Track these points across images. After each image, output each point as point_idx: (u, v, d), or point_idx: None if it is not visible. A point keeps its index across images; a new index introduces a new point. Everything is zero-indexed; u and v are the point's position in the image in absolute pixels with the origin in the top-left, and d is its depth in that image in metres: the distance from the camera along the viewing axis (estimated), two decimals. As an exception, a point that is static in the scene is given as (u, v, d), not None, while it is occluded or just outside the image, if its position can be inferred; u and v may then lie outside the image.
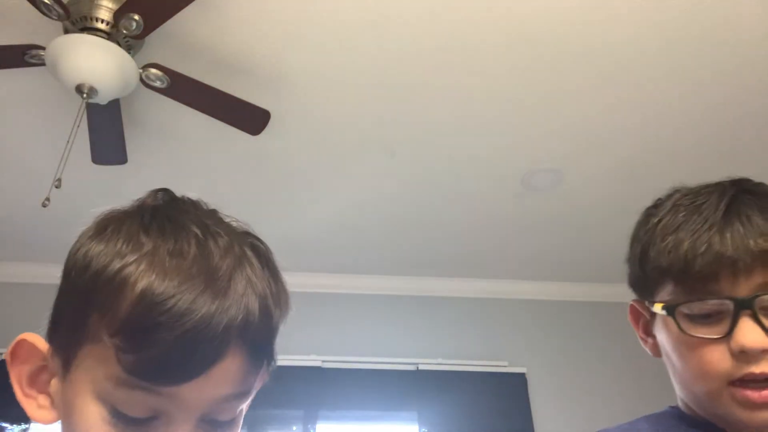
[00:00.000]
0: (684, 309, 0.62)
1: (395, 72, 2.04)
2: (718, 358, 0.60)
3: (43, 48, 1.73)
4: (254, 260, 0.49)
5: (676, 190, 0.71)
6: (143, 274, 0.43)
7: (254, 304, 0.46)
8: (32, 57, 1.77)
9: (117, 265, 0.44)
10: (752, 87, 2.11)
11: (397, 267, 3.23)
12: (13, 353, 0.48)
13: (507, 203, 2.72)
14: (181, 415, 0.43)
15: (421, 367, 3.04)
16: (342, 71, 2.04)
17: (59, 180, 1.74)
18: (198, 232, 0.48)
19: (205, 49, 1.94)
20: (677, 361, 0.64)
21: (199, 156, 2.42)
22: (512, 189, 2.63)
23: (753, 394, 0.58)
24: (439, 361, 3.07)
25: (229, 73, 2.02)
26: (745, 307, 0.59)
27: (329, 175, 2.54)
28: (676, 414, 0.70)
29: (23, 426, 2.69)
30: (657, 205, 0.72)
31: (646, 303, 0.69)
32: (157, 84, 1.84)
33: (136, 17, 1.67)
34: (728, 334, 0.60)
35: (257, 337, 0.46)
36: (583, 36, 1.91)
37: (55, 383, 0.47)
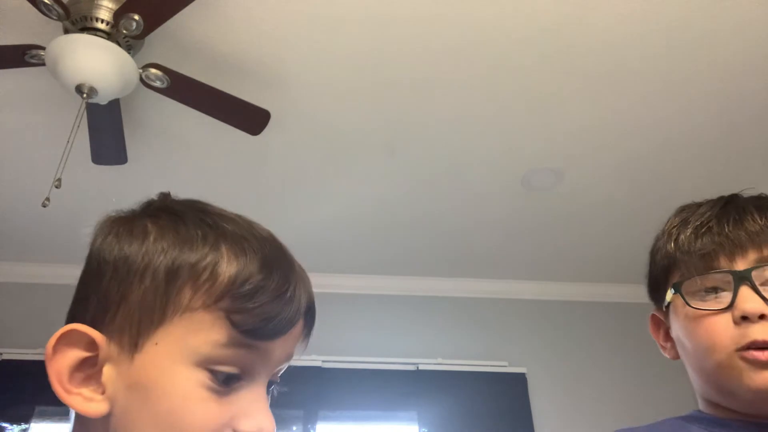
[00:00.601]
0: (689, 285, 0.69)
1: (395, 72, 2.04)
2: (723, 327, 0.66)
3: (43, 48, 1.73)
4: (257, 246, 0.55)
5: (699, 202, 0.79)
6: (231, 256, 0.50)
7: (309, 284, 0.58)
8: (32, 57, 1.77)
9: (200, 252, 0.50)
10: (754, 88, 2.11)
11: (397, 267, 3.23)
12: (57, 345, 0.48)
13: (507, 203, 2.72)
14: (264, 372, 0.50)
15: (421, 367, 3.04)
16: (342, 71, 2.04)
17: (59, 180, 1.74)
18: (209, 222, 0.54)
19: (205, 49, 1.95)
20: (688, 341, 0.70)
21: (199, 156, 2.42)
22: (512, 189, 2.63)
23: (760, 354, 0.63)
24: (439, 361, 3.07)
25: (229, 73, 2.02)
26: (743, 277, 0.66)
27: (329, 175, 2.54)
28: (697, 416, 0.73)
29: (23, 426, 2.69)
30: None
31: (661, 303, 0.75)
32: (157, 84, 1.84)
33: (136, 17, 1.67)
34: (731, 305, 0.66)
35: (313, 311, 0.57)
36: (583, 36, 1.91)
37: (110, 370, 0.48)
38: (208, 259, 0.49)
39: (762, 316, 0.64)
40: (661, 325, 0.78)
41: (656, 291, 0.77)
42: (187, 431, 0.45)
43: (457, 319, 3.27)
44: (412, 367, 3.04)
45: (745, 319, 0.64)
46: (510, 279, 3.37)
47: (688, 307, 0.69)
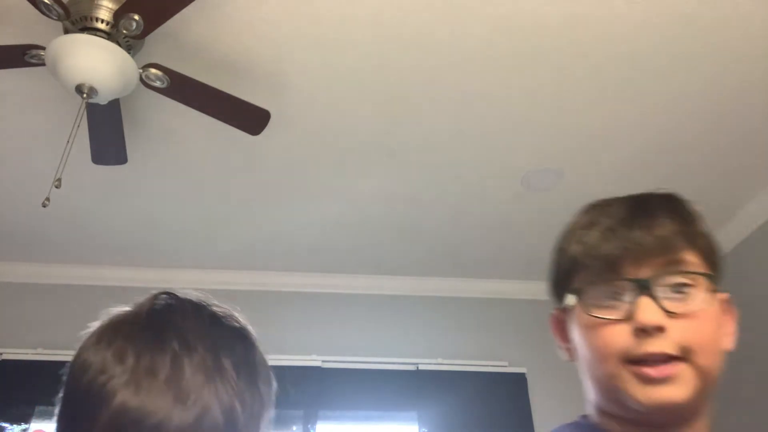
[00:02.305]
0: (591, 291, 0.66)
1: (395, 72, 2.04)
2: (619, 336, 0.63)
3: (43, 48, 1.73)
4: (229, 370, 0.55)
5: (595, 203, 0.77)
6: (121, 389, 0.51)
7: (218, 416, 0.52)
8: (32, 57, 1.77)
9: (103, 379, 0.52)
10: (752, 83, 2.11)
11: (396, 267, 3.23)
12: None
13: (507, 203, 2.72)
14: None
15: (421, 367, 3.04)
16: (342, 71, 2.04)
17: (59, 180, 1.74)
18: (177, 348, 0.54)
19: (205, 49, 1.94)
20: (584, 348, 0.67)
21: (199, 156, 2.42)
22: (512, 189, 2.63)
23: (650, 370, 0.61)
24: (439, 361, 3.07)
25: (229, 73, 2.02)
26: (644, 286, 0.63)
27: (329, 175, 2.54)
28: (586, 425, 0.72)
29: (23, 426, 2.69)
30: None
31: (562, 304, 0.72)
32: (157, 84, 1.84)
33: (136, 17, 1.67)
34: (630, 314, 0.63)
35: None
36: (583, 36, 1.91)
37: None
38: (102, 393, 0.52)
39: (659, 329, 0.61)
40: (561, 324, 0.75)
41: (557, 291, 0.74)
42: None
43: (457, 319, 3.27)
44: (412, 367, 3.04)
45: (642, 331, 0.61)
46: (510, 279, 3.37)
47: (587, 314, 0.66)
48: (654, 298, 0.63)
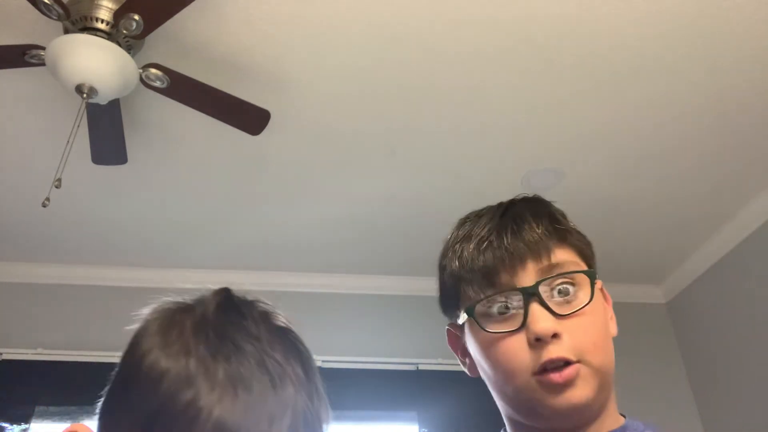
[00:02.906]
0: (480, 307, 0.66)
1: (395, 72, 2.04)
2: (519, 349, 0.63)
3: (43, 48, 1.73)
4: (302, 376, 0.55)
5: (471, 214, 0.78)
6: (216, 405, 0.48)
7: (299, 425, 0.52)
8: (32, 57, 1.77)
9: (190, 394, 0.48)
10: (752, 83, 2.11)
11: (397, 267, 3.23)
12: None
13: (507, 203, 2.71)
14: None
15: (421, 367, 3.04)
16: (342, 71, 2.04)
17: (59, 180, 1.74)
18: (257, 356, 0.52)
19: (205, 49, 1.95)
20: (486, 365, 0.67)
21: (199, 156, 2.42)
22: (512, 189, 2.62)
23: (555, 376, 0.61)
24: (439, 361, 3.07)
25: (229, 73, 2.02)
26: (531, 293, 0.63)
27: (329, 175, 2.54)
28: None
29: (23, 426, 2.69)
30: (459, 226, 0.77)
31: (455, 320, 0.72)
32: (157, 84, 1.84)
33: (136, 17, 1.67)
34: (523, 325, 0.63)
35: None
36: (582, 36, 1.91)
37: None
38: (190, 411, 0.48)
39: (555, 335, 0.62)
40: (459, 340, 0.75)
41: (449, 308, 0.74)
42: None
43: (457, 319, 3.27)
44: (412, 367, 3.04)
45: (538, 340, 0.62)
46: (510, 279, 3.37)
47: (482, 330, 0.66)
48: (542, 304, 0.63)
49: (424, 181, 2.58)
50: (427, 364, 3.05)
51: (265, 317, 0.58)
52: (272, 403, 0.51)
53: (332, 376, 2.96)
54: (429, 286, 3.53)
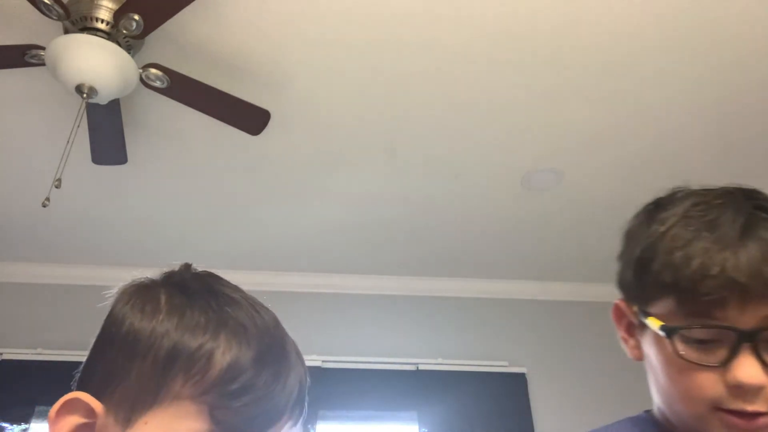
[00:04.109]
0: (685, 333, 0.59)
1: (395, 72, 2.04)
2: (711, 385, 0.58)
3: (43, 48, 1.73)
4: (294, 345, 0.61)
5: (680, 191, 0.68)
6: (227, 347, 0.53)
7: (303, 373, 0.59)
8: (32, 57, 1.77)
9: (200, 340, 0.52)
10: (752, 83, 2.11)
11: (396, 267, 3.23)
12: (61, 411, 0.52)
13: (507, 203, 2.72)
14: None
15: (421, 367, 3.04)
16: (342, 71, 2.04)
17: (59, 180, 1.74)
18: (247, 305, 0.58)
19: (205, 49, 1.95)
20: (664, 379, 0.62)
21: (199, 156, 2.42)
22: (512, 189, 2.63)
23: (741, 422, 0.56)
24: (439, 361, 3.07)
25: (229, 73, 2.02)
26: (748, 339, 0.56)
27: (329, 175, 2.54)
28: (650, 420, 0.69)
29: (23, 426, 2.69)
30: (659, 206, 0.68)
31: (636, 310, 0.66)
32: (157, 84, 1.84)
33: (136, 17, 1.67)
34: (725, 364, 0.57)
35: (302, 400, 0.58)
36: (583, 36, 1.91)
37: None
38: (204, 349, 0.52)
39: (761, 388, 0.56)
40: (626, 317, 0.68)
41: (632, 293, 0.66)
42: None
43: (457, 319, 3.27)
44: (412, 367, 3.04)
45: (738, 387, 0.56)
46: (510, 279, 3.37)
47: (674, 353, 0.59)
48: (756, 352, 0.56)
49: (424, 181, 2.58)
50: (427, 364, 3.05)
51: (231, 291, 0.62)
52: (272, 341, 0.57)
53: (332, 376, 2.96)
54: (429, 286, 3.54)
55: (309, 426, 2.82)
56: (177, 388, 0.51)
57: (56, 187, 1.74)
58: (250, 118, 2.00)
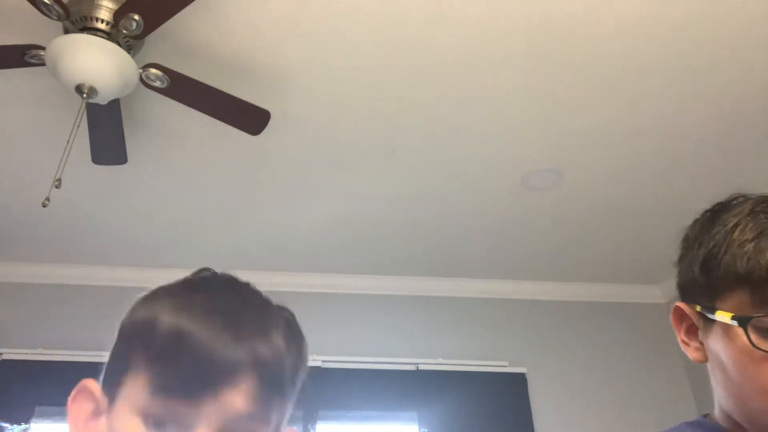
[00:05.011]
0: (758, 322, 0.58)
1: (395, 72, 2.04)
2: None
3: (43, 48, 1.73)
4: (281, 324, 0.61)
5: (739, 197, 0.69)
6: (173, 316, 0.55)
7: (266, 350, 0.56)
8: (32, 57, 1.77)
9: (156, 313, 0.56)
10: (752, 83, 2.11)
11: (397, 267, 3.23)
12: (75, 397, 0.58)
13: (507, 203, 2.72)
14: (202, 424, 0.52)
15: (421, 367, 3.04)
16: (342, 71, 2.04)
17: (59, 180, 1.74)
18: (233, 296, 0.61)
19: (205, 49, 1.95)
20: (737, 374, 0.61)
21: (199, 156, 2.42)
22: (512, 189, 2.63)
23: None
24: (439, 361, 3.07)
25: (229, 73, 2.02)
26: None
27: (329, 175, 2.54)
28: (710, 425, 0.69)
29: (23, 426, 2.69)
30: (719, 211, 0.70)
31: (701, 308, 0.66)
32: (157, 84, 1.84)
33: (136, 17, 1.67)
34: None
35: (266, 373, 0.56)
36: (583, 36, 1.91)
37: (103, 421, 0.57)
38: (152, 315, 0.55)
39: None
40: (686, 319, 0.69)
41: (696, 292, 0.67)
42: None
43: (457, 319, 3.27)
44: (412, 367, 3.04)
45: None
46: (510, 279, 3.37)
47: (749, 343, 0.59)
48: None
49: (424, 181, 2.58)
50: (427, 364, 3.05)
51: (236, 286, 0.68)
52: (232, 319, 0.56)
53: (332, 376, 2.96)
54: (429, 286, 3.54)
55: (309, 426, 2.82)
56: (135, 361, 0.54)
57: (56, 187, 1.74)
58: (250, 118, 2.00)
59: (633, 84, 2.09)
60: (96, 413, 0.57)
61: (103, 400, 0.57)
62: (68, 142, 1.87)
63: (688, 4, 1.81)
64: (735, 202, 0.69)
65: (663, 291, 3.40)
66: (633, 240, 2.98)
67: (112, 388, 0.56)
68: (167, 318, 0.54)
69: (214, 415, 0.53)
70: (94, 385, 0.58)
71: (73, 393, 0.58)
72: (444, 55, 1.98)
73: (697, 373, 3.10)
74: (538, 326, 3.30)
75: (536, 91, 2.12)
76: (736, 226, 0.64)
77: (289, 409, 0.62)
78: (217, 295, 0.59)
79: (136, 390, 0.53)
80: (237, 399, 0.53)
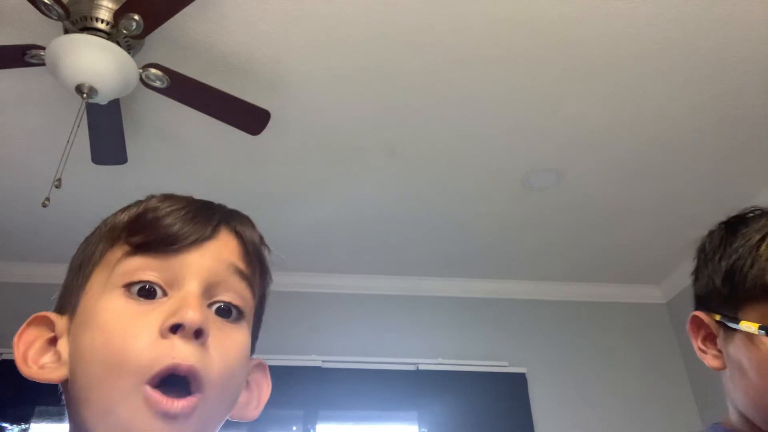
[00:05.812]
0: None
1: (395, 72, 2.04)
2: None
3: (43, 48, 1.73)
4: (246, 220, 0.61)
5: (754, 210, 0.71)
6: (148, 201, 0.57)
7: (241, 221, 0.60)
8: (32, 57, 1.77)
9: (125, 211, 0.58)
10: (751, 84, 2.11)
11: (397, 267, 3.23)
12: (25, 329, 0.55)
13: (507, 203, 2.72)
14: (189, 279, 0.51)
15: (421, 367, 3.04)
16: (342, 71, 2.04)
17: (59, 180, 1.74)
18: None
19: (205, 49, 1.94)
20: (759, 379, 0.63)
21: (199, 156, 2.42)
22: (512, 189, 2.63)
23: None
24: (439, 361, 3.07)
25: (229, 73, 2.02)
26: None
27: (329, 175, 2.54)
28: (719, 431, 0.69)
29: (23, 426, 2.69)
30: (736, 224, 0.71)
31: (721, 318, 0.68)
32: (157, 84, 1.84)
33: (136, 17, 1.67)
34: None
35: (244, 228, 0.59)
36: (582, 37, 1.91)
37: (63, 340, 0.53)
38: (116, 217, 0.57)
39: None
40: (704, 328, 0.71)
41: (717, 302, 0.69)
42: (122, 344, 0.48)
43: (457, 319, 3.27)
44: (412, 367, 3.04)
45: None
46: (510, 279, 3.37)
47: None
48: None
49: (423, 181, 2.58)
50: (427, 364, 3.05)
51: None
52: (201, 204, 0.62)
53: (332, 376, 2.96)
54: (429, 286, 3.54)
55: (309, 426, 2.82)
56: (99, 252, 0.54)
57: (56, 187, 1.74)
58: (250, 118, 2.00)
59: (633, 84, 2.09)
60: (52, 341, 0.54)
61: (61, 319, 0.54)
62: (68, 142, 1.87)
63: (688, 5, 1.81)
64: (752, 215, 0.71)
65: (663, 291, 3.40)
66: (633, 240, 2.98)
67: (73, 295, 0.54)
68: (143, 203, 0.57)
69: (198, 264, 0.52)
70: (48, 313, 0.55)
71: (22, 327, 0.55)
72: (444, 56, 1.98)
73: (697, 374, 3.10)
74: (538, 326, 3.30)
75: (536, 91, 2.12)
76: (762, 240, 0.66)
77: (259, 313, 0.63)
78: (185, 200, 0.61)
79: (109, 267, 0.52)
80: (222, 250, 0.55)
